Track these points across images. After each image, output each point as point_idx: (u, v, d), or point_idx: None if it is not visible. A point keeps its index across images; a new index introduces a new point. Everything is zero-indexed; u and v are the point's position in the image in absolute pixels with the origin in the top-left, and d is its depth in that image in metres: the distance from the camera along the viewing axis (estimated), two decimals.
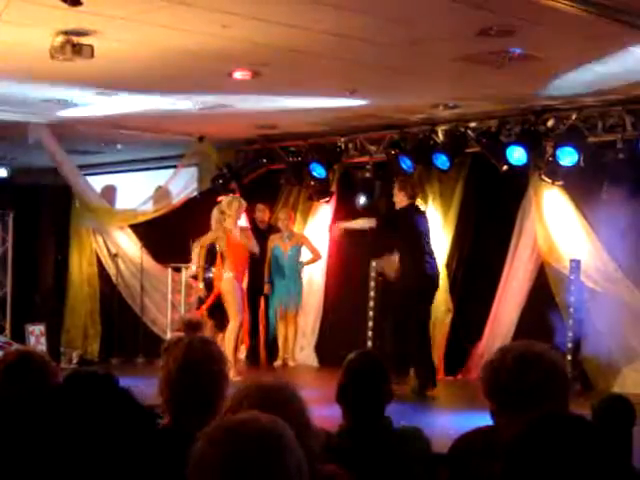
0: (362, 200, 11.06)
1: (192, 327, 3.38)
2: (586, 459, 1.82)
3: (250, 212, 12.02)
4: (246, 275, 11.88)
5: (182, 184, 12.50)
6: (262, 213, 11.84)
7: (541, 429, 1.89)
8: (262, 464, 1.79)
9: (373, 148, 11.23)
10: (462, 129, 10.32)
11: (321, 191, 11.59)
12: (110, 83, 8.66)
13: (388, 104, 9.70)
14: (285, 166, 11.82)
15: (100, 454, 2.72)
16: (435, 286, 9.40)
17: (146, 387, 3.56)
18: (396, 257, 9.53)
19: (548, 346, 2.93)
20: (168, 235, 12.40)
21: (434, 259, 9.38)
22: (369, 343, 10.75)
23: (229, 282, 10.11)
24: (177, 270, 12.34)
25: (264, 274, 11.50)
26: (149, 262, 12.87)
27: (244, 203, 10.46)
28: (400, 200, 9.43)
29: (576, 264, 9.47)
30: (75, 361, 12.11)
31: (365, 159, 11.29)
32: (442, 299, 10.71)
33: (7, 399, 3.28)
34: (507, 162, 9.69)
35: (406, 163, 10.50)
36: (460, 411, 8.18)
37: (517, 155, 9.63)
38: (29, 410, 3.23)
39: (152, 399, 3.28)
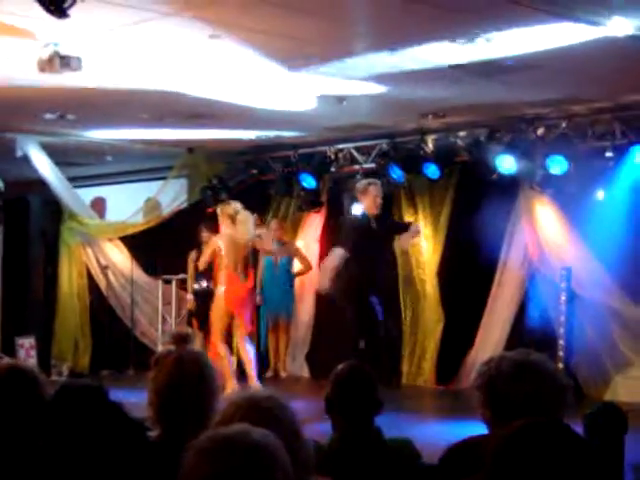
0: (352, 210, 11.05)
1: (182, 339, 3.35)
2: (566, 468, 1.81)
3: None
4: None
5: (172, 196, 12.47)
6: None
7: (523, 436, 1.88)
8: (251, 477, 1.78)
9: (363, 158, 11.22)
10: (452, 138, 10.33)
11: (311, 201, 11.59)
12: (97, 95, 8.64)
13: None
14: (275, 177, 11.81)
15: (91, 466, 2.70)
16: None
17: (136, 399, 3.55)
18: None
19: (544, 355, 2.92)
20: (158, 247, 12.38)
21: None
22: None
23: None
24: (167, 282, 12.32)
25: (255, 285, 11.45)
26: (139, 274, 12.83)
27: None
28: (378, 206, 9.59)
29: (567, 272, 9.47)
30: (65, 374, 12.04)
31: (355, 169, 11.28)
32: (433, 308, 10.73)
33: None
34: (497, 171, 9.71)
35: (396, 173, 10.50)
36: (451, 421, 8.17)
37: (507, 164, 9.64)
38: (20, 424, 3.22)
39: (142, 411, 3.26)
